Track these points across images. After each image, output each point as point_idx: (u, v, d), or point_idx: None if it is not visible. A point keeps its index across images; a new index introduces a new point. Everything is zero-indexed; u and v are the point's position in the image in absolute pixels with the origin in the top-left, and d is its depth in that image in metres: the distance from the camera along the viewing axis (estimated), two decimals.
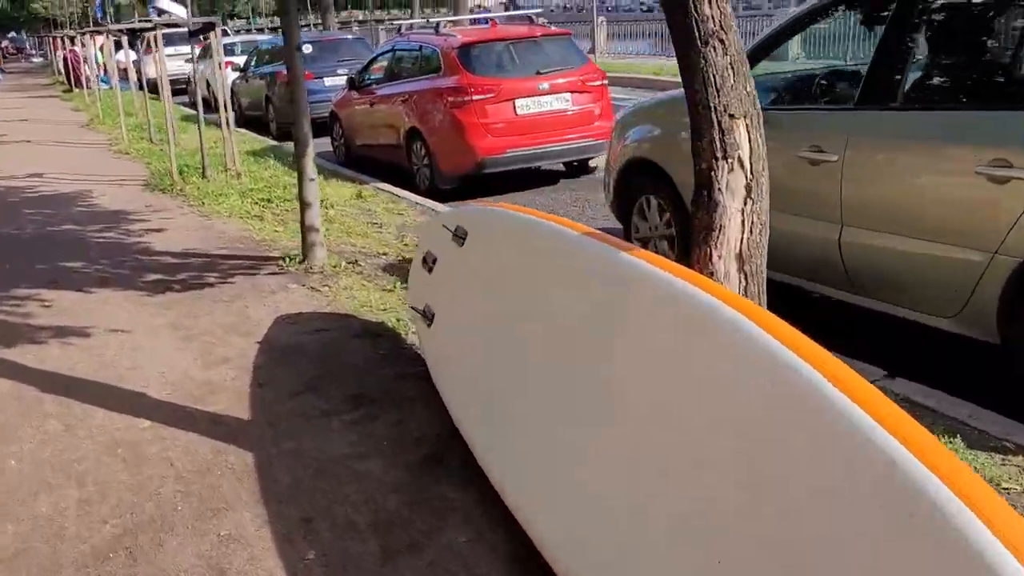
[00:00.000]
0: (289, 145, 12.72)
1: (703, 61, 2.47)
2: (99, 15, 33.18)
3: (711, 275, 2.47)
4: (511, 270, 3.33)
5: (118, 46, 21.56)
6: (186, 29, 11.24)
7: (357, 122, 10.88)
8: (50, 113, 19.19)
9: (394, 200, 8.25)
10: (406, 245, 6.47)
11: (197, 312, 5.08)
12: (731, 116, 2.47)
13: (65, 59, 25.10)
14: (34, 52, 62.64)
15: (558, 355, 2.83)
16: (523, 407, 2.98)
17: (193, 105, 19.65)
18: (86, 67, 22.54)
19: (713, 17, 2.46)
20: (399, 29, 10.95)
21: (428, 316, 3.92)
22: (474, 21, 14.65)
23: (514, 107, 8.56)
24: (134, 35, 13.68)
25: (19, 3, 47.62)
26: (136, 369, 4.22)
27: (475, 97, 8.47)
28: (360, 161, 10.98)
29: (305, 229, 5.92)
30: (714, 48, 2.47)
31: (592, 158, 9.39)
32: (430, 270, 4.07)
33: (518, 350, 3.12)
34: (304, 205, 5.87)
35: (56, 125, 16.53)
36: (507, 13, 11.39)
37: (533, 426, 2.87)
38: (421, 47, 9.48)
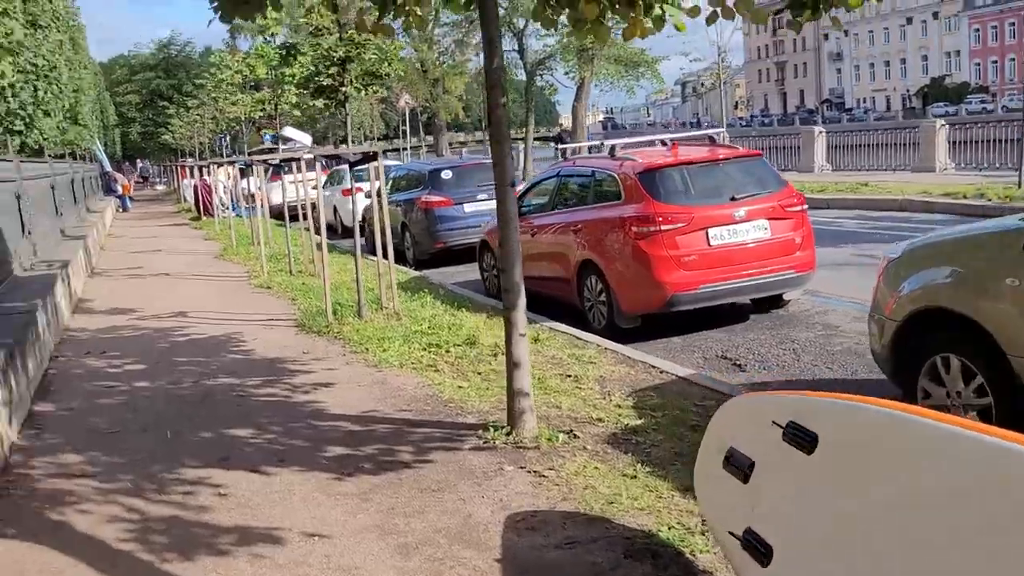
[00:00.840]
0: (436, 275, 12.12)
1: None
2: (223, 144, 34.23)
3: None
4: (947, 507, 2.27)
5: (242, 174, 21.84)
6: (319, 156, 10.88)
7: None
8: (182, 243, 19.23)
9: (576, 344, 7.32)
10: (619, 407, 5.48)
11: (404, 507, 4.14)
12: None
13: (195, 187, 25.60)
14: (158, 180, 65.67)
15: None
16: None
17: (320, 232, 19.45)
18: (216, 195, 22.86)
19: None
20: (563, 153, 10.24)
21: (758, 548, 2.87)
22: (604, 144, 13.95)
23: (707, 237, 7.63)
24: (276, 166, 13.45)
25: (149, 134, 50.03)
26: None
27: (663, 227, 7.58)
28: None
29: (513, 393, 4.99)
30: None
31: (787, 291, 8.34)
32: (745, 478, 3.04)
33: None
34: (513, 365, 4.95)
35: (191, 256, 16.39)
36: (677, 135, 10.47)
37: None
38: (595, 172, 8.69)
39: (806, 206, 8.18)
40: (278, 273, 12.63)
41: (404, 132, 49.07)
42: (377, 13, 5.27)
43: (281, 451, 5.07)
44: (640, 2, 4.59)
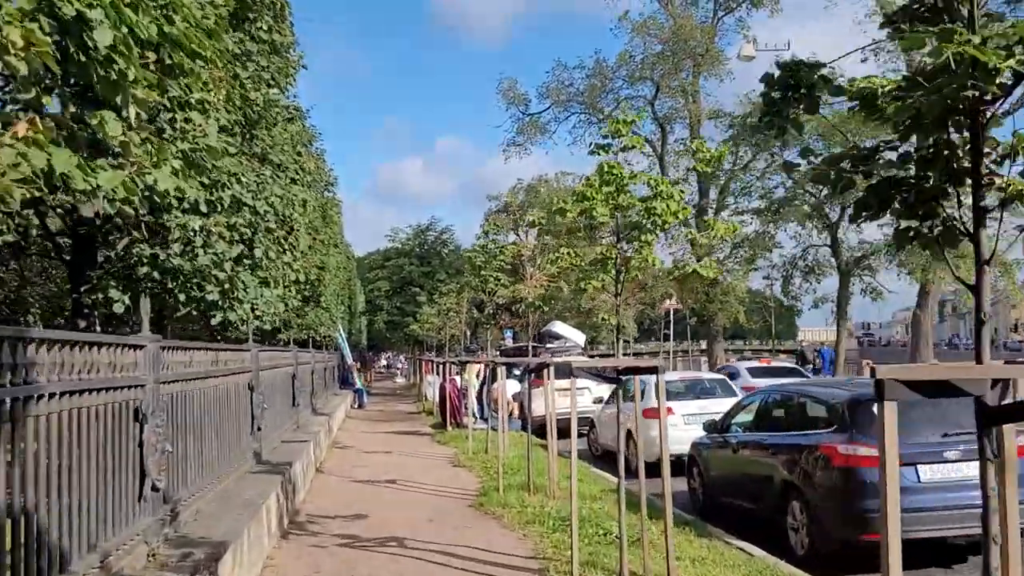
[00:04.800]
0: None
1: None
2: (469, 341, 29.78)
3: None
4: None
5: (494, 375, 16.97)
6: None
7: None
8: (424, 470, 14.04)
9: None
10: None
11: None
12: None
13: (442, 388, 20.99)
14: (399, 370, 63.44)
15: None
16: None
17: (600, 458, 12.83)
18: (468, 402, 18.08)
19: None
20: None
21: None
22: None
23: None
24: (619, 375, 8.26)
25: (395, 324, 47.63)
26: None
27: None
28: None
29: None
30: None
31: None
32: None
33: None
34: None
35: (436, 497, 11.12)
36: None
37: None
38: None
39: None
40: (594, 572, 6.93)
41: (666, 336, 43.86)
42: None
43: None
44: None
